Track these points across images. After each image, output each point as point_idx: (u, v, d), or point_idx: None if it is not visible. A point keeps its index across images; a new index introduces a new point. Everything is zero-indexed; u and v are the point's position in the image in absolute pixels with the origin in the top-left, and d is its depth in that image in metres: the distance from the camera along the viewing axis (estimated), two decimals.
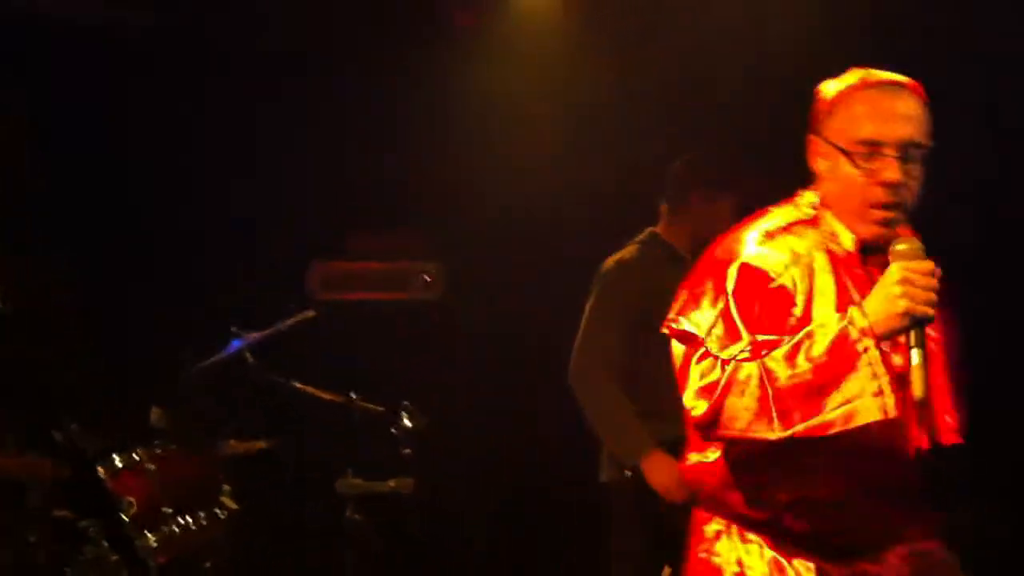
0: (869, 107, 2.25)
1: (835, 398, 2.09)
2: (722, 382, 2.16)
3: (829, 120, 2.30)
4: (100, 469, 3.81)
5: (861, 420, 2.08)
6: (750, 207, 3.82)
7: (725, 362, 2.17)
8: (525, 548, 4.74)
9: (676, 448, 3.73)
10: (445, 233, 4.97)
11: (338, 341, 4.75)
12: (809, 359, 2.11)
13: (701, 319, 2.26)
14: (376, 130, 4.91)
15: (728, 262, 2.29)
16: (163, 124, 4.86)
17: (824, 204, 2.32)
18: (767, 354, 2.15)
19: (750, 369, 2.14)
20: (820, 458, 2.25)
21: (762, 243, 2.30)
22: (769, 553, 2.34)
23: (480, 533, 4.75)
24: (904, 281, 2.10)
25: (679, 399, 3.70)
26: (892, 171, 2.20)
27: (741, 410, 2.14)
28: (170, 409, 3.99)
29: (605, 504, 3.91)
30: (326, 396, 4.06)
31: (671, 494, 3.70)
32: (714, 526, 2.41)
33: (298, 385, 4.07)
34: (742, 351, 2.18)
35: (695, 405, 2.20)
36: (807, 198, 2.36)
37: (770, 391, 2.12)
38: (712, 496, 2.41)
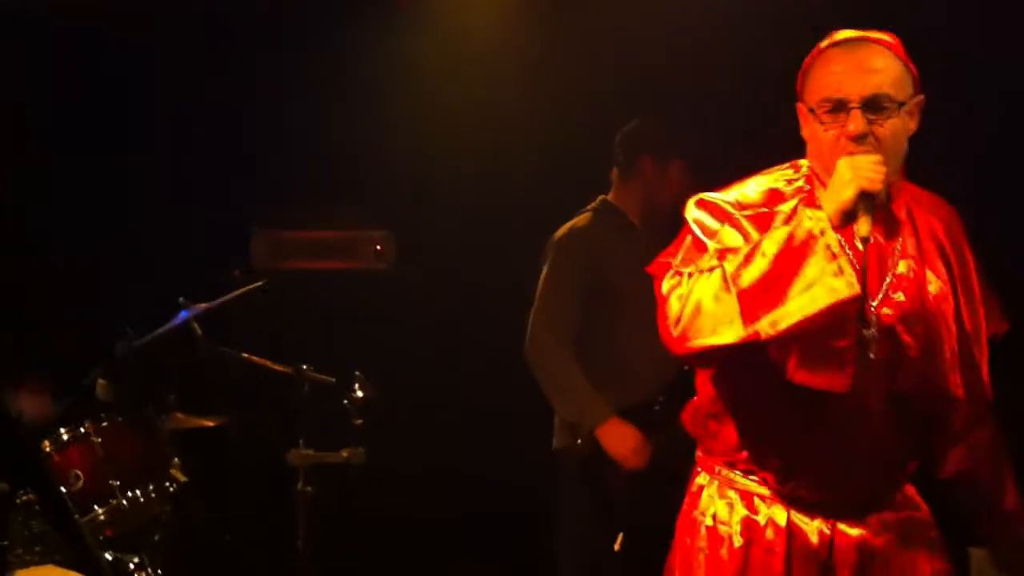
0: (835, 63, 2.26)
1: (796, 285, 2.09)
2: (688, 289, 2.18)
3: (805, 83, 2.32)
4: (46, 442, 3.76)
5: (824, 302, 2.08)
6: (701, 172, 3.90)
7: (691, 274, 2.20)
8: (477, 517, 4.74)
9: (630, 416, 3.77)
10: (395, 202, 4.93)
11: (287, 312, 4.71)
12: (766, 253, 2.12)
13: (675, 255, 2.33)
14: (324, 99, 4.85)
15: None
16: (102, 95, 4.77)
17: (814, 170, 2.34)
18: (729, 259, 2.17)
19: (712, 275, 2.16)
20: (796, 406, 2.27)
21: (740, 192, 2.34)
22: (743, 511, 2.39)
23: (433, 503, 4.74)
24: (851, 166, 2.15)
25: (634, 365, 3.77)
26: (855, 122, 2.20)
27: (707, 316, 2.14)
28: (117, 382, 3.94)
29: (556, 471, 3.92)
30: (275, 367, 4.02)
31: (628, 461, 3.72)
32: (700, 479, 2.48)
33: (247, 356, 4.02)
34: (707, 260, 2.21)
35: (666, 318, 2.21)
36: (804, 164, 2.37)
37: (733, 289, 2.12)
38: (700, 441, 2.49)
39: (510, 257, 4.29)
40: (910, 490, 2.48)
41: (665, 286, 2.26)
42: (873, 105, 2.21)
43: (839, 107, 2.23)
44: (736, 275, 2.13)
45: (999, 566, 2.58)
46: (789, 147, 2.41)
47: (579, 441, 3.77)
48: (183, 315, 3.94)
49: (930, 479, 2.51)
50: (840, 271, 2.08)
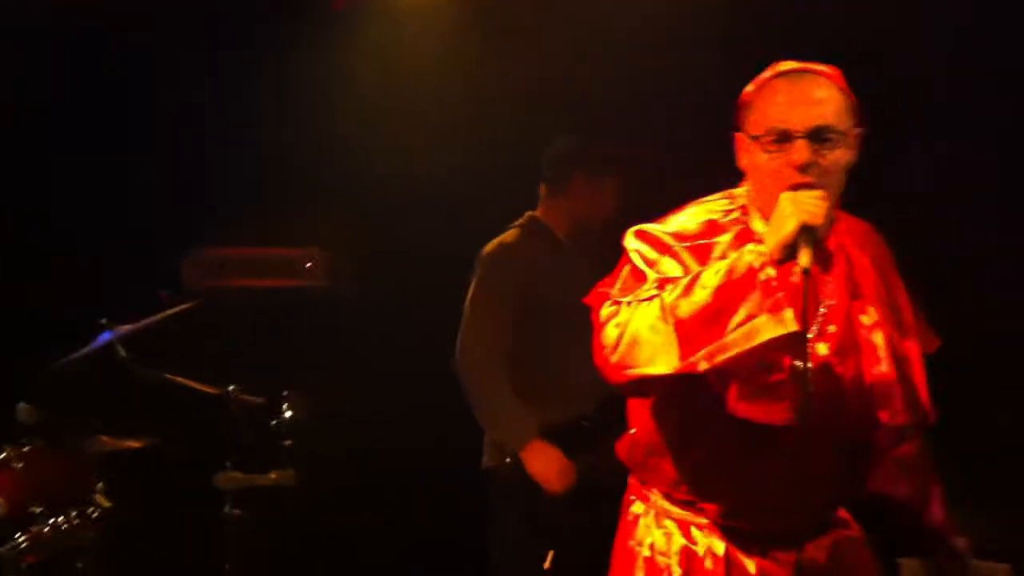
0: (780, 95, 2.27)
1: (735, 319, 2.08)
2: (626, 318, 2.17)
3: (748, 114, 2.33)
4: None
5: (761, 337, 2.07)
6: (633, 190, 3.89)
7: (630, 303, 2.19)
8: (410, 538, 4.70)
9: (558, 434, 3.76)
10: (329, 220, 4.88)
11: (215, 331, 4.64)
12: (706, 286, 2.12)
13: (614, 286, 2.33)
14: (255, 114, 4.80)
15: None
16: (25, 111, 4.69)
17: (751, 201, 2.34)
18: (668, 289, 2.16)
19: (651, 304, 2.15)
20: (735, 439, 2.27)
21: (678, 223, 2.33)
22: (681, 540, 2.37)
23: (364, 525, 4.69)
24: (792, 200, 2.15)
25: (563, 382, 3.76)
26: (800, 152, 2.21)
27: (644, 345, 2.13)
28: (39, 405, 3.87)
29: (487, 489, 3.89)
30: (203, 388, 3.96)
31: (551, 484, 3.70)
32: (635, 508, 2.46)
33: (173, 378, 3.96)
34: (647, 290, 2.20)
35: (602, 348, 2.20)
36: (740, 193, 2.37)
37: (671, 320, 2.11)
38: (636, 472, 2.47)
39: (446, 273, 4.26)
40: (842, 511, 2.48)
41: (603, 314, 2.24)
42: (817, 136, 2.23)
43: (784, 137, 2.24)
44: (674, 306, 2.12)
45: None
46: (725, 166, 2.40)
47: (508, 460, 3.75)
48: (105, 336, 3.86)
49: (862, 493, 2.51)
50: (779, 306, 2.08)
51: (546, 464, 3.69)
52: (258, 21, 4.75)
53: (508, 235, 3.97)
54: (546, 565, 3.57)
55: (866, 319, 2.31)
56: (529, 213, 4.01)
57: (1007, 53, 3.95)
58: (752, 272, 2.10)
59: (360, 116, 4.78)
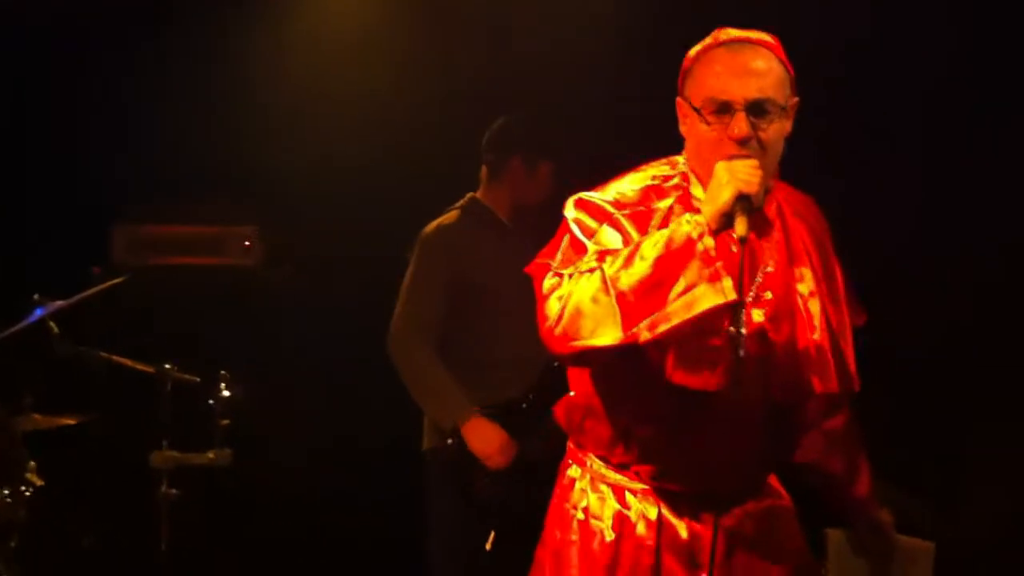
0: (719, 65, 2.28)
1: (675, 290, 2.11)
2: (567, 290, 2.18)
3: (688, 81, 2.33)
4: None
5: (701, 306, 2.10)
6: (571, 173, 3.91)
7: (571, 275, 2.20)
8: (348, 519, 4.69)
9: (498, 415, 3.77)
10: (264, 197, 4.84)
11: (150, 309, 4.58)
12: (645, 257, 2.14)
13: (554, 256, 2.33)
14: (190, 91, 4.73)
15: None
16: None
17: (692, 167, 2.35)
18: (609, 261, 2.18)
19: (592, 276, 2.17)
20: (671, 404, 2.30)
21: (618, 190, 2.34)
22: (615, 505, 2.41)
23: (301, 504, 4.67)
24: (727, 169, 2.17)
25: (501, 365, 3.77)
26: (739, 125, 2.23)
27: (587, 318, 2.15)
28: None
29: (426, 472, 3.90)
30: (138, 367, 3.91)
31: (492, 458, 3.71)
32: (571, 472, 2.49)
33: (107, 355, 3.91)
34: (587, 262, 2.21)
35: (545, 320, 2.21)
36: (681, 160, 2.38)
37: (612, 292, 2.13)
38: (573, 435, 2.49)
39: (381, 253, 4.25)
40: (772, 479, 2.53)
41: (545, 286, 2.26)
42: (757, 108, 2.24)
43: (723, 109, 2.25)
44: (615, 278, 2.14)
45: (854, 547, 2.68)
46: (665, 143, 2.42)
47: (449, 441, 3.75)
48: (38, 312, 3.80)
49: (788, 464, 2.57)
50: (717, 275, 2.10)
51: (487, 439, 3.69)
52: (190, 3, 4.69)
53: (447, 217, 3.96)
54: (487, 545, 3.59)
55: (803, 287, 2.35)
56: (470, 195, 4.00)
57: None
58: (690, 242, 2.12)
59: (296, 97, 4.74)
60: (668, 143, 2.42)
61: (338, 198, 4.77)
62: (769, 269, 2.34)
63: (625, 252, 2.17)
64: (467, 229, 3.92)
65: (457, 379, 3.77)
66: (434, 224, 3.94)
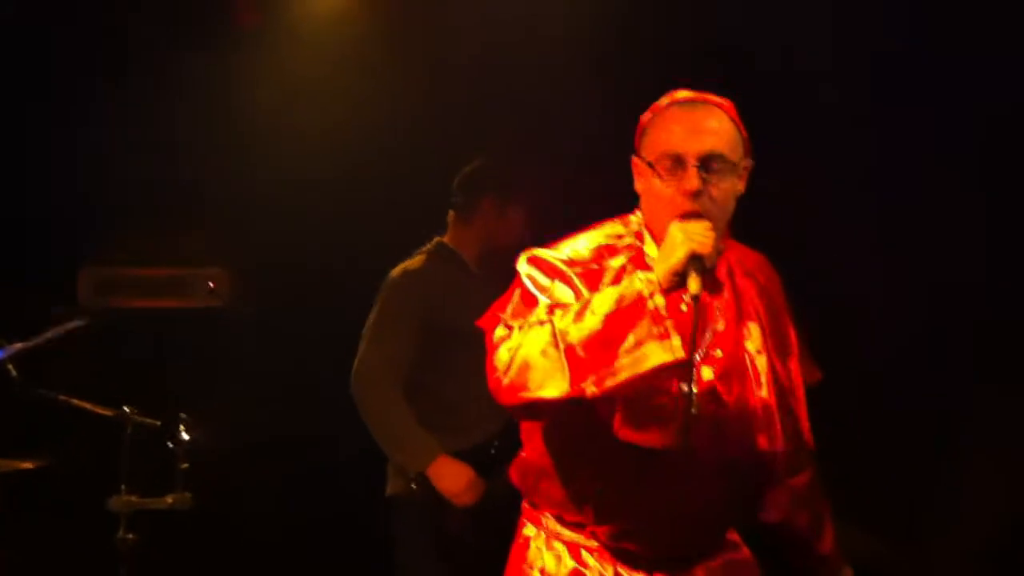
0: (674, 122, 2.33)
1: (624, 346, 2.12)
2: (517, 342, 2.19)
3: (644, 139, 2.38)
4: None
5: (649, 363, 2.11)
6: (542, 217, 3.91)
7: (521, 327, 2.22)
8: (311, 564, 4.64)
9: (466, 458, 3.74)
10: (230, 239, 4.81)
11: (111, 351, 4.54)
12: (596, 312, 2.15)
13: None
14: (156, 128, 4.71)
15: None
16: None
17: (645, 225, 2.38)
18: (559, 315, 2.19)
19: (542, 329, 2.18)
20: (623, 464, 2.30)
21: (571, 248, 2.36)
22: (571, 563, 2.41)
23: (263, 550, 4.62)
24: (681, 230, 2.21)
25: (468, 409, 3.75)
26: (691, 179, 2.26)
27: (535, 370, 2.15)
28: None
29: (391, 517, 3.86)
30: (96, 409, 3.86)
31: (459, 498, 3.69)
32: (527, 531, 2.49)
33: (66, 398, 3.86)
34: (537, 315, 2.23)
35: (494, 371, 2.22)
36: (635, 219, 2.41)
37: (561, 346, 2.14)
38: (528, 495, 2.50)
39: (350, 295, 4.23)
40: (731, 534, 2.53)
41: (495, 336, 2.27)
42: (708, 164, 2.28)
43: (677, 164, 2.29)
44: (565, 332, 2.15)
45: None
46: (625, 189, 2.44)
47: (413, 486, 3.72)
48: None
49: (752, 521, 2.58)
50: (666, 334, 2.12)
51: (455, 478, 3.68)
52: (160, 34, 4.67)
53: (414, 261, 3.95)
54: None
55: (750, 344, 2.38)
56: (437, 239, 4.00)
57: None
58: (641, 300, 2.14)
59: (263, 135, 4.73)
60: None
61: (307, 237, 4.75)
62: (719, 327, 2.37)
63: (576, 307, 2.19)
64: (434, 273, 3.91)
65: (423, 422, 3.74)
66: (400, 268, 3.93)
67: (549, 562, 2.42)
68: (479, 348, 3.64)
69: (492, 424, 3.70)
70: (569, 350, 2.13)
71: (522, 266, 2.35)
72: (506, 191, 3.97)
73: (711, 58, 4.08)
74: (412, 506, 3.75)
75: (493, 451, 3.74)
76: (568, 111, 4.46)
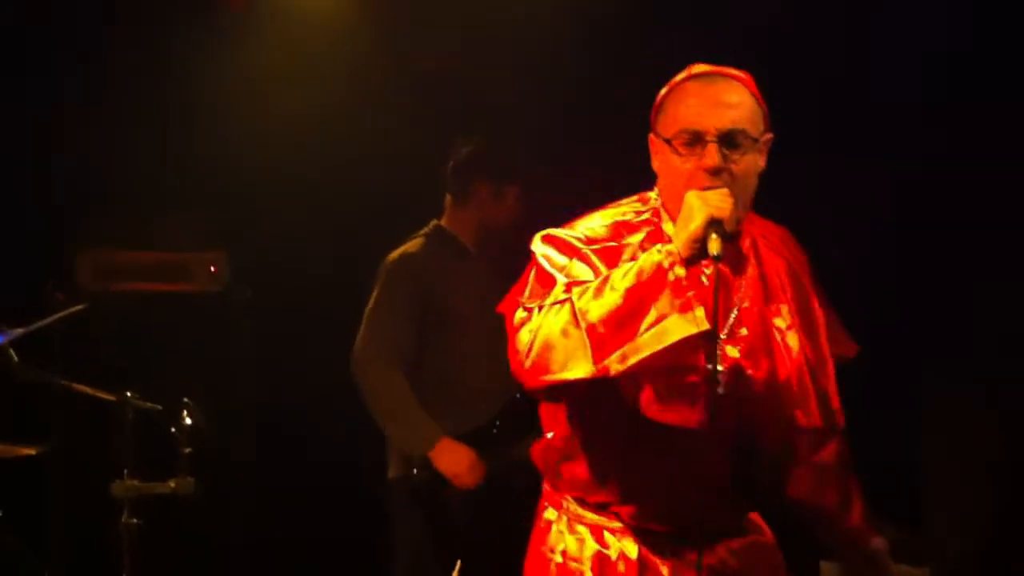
0: (692, 96, 2.27)
1: (646, 321, 2.07)
2: (538, 324, 2.15)
3: (660, 115, 2.32)
4: None
5: (672, 337, 2.06)
6: (536, 198, 3.90)
7: (540, 307, 2.18)
8: (313, 547, 4.64)
9: (467, 439, 3.74)
10: (231, 222, 4.79)
11: (114, 336, 4.52)
12: (616, 288, 2.11)
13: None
14: (156, 112, 4.69)
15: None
16: None
17: (663, 203, 2.33)
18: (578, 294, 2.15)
19: (562, 308, 2.14)
20: (649, 442, 2.27)
21: (586, 227, 2.32)
22: (594, 546, 2.37)
23: (266, 534, 4.62)
24: (699, 197, 2.15)
25: (467, 390, 3.75)
26: (711, 156, 2.22)
27: (557, 351, 2.12)
28: None
29: (392, 500, 3.86)
30: (98, 394, 3.86)
31: (461, 479, 3.69)
32: (548, 515, 2.45)
33: (68, 383, 3.85)
34: (556, 294, 2.19)
35: (516, 354, 2.18)
36: (653, 196, 2.36)
37: (582, 324, 2.10)
38: (550, 477, 2.45)
39: (349, 278, 4.22)
40: (754, 515, 2.50)
41: (516, 319, 2.23)
42: (729, 140, 2.23)
43: (696, 139, 2.23)
44: (585, 310, 2.11)
45: None
46: (635, 170, 2.41)
47: (415, 471, 3.72)
48: None
49: (778, 500, 2.54)
50: (689, 305, 2.07)
51: (456, 459, 3.68)
52: (154, 20, 4.65)
53: (412, 244, 3.94)
54: (454, 574, 3.55)
55: (780, 321, 2.33)
56: (434, 222, 3.99)
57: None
58: (661, 272, 2.09)
59: (262, 118, 4.70)
60: (640, 160, 2.39)
61: (308, 219, 4.74)
62: (745, 305, 2.32)
63: (595, 284, 2.14)
64: (432, 256, 3.91)
65: (423, 404, 3.74)
66: (398, 252, 3.93)
67: (571, 545, 2.38)
68: (478, 330, 3.68)
69: (492, 406, 3.70)
70: (590, 328, 2.09)
71: (537, 246, 2.30)
72: (498, 174, 3.95)
73: (710, 36, 4.04)
74: (413, 489, 3.75)
75: (495, 431, 3.74)
76: (566, 91, 4.44)
